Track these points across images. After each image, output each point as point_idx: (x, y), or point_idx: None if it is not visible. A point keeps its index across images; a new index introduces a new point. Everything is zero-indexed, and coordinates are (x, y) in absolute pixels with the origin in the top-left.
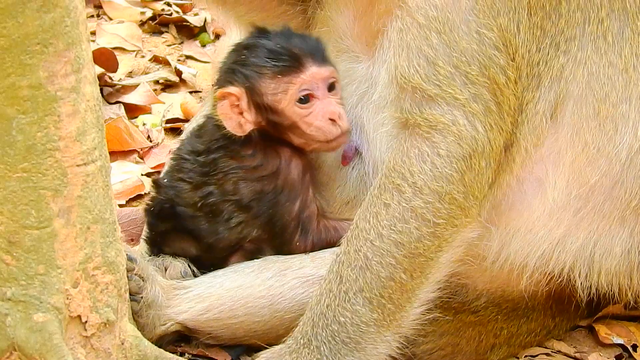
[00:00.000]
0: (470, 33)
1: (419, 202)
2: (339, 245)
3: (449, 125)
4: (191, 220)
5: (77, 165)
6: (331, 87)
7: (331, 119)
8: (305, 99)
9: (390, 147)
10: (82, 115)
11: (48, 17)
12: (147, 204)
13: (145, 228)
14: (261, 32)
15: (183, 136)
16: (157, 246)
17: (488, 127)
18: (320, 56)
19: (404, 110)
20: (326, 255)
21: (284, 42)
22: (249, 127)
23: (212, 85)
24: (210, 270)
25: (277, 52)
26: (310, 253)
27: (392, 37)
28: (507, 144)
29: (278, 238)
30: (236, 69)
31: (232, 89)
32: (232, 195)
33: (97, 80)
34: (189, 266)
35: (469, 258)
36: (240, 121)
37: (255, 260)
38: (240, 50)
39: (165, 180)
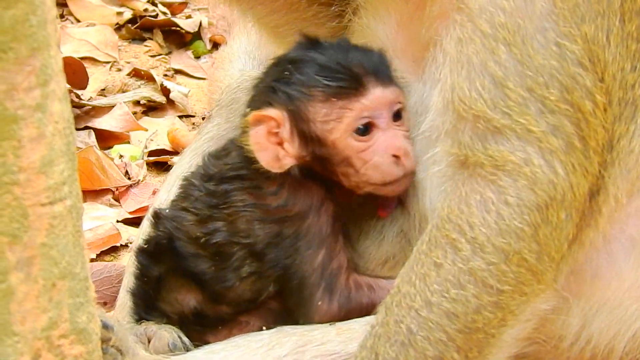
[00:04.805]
0: (548, 45)
1: (479, 263)
2: (374, 314)
3: (521, 166)
4: (193, 260)
5: (42, 205)
6: (397, 115)
7: (395, 156)
8: (364, 129)
9: (443, 192)
10: (49, 141)
11: (7, 15)
12: (141, 245)
13: (131, 280)
14: (311, 42)
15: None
16: (148, 300)
17: (570, 168)
18: (385, 75)
19: (462, 145)
20: (356, 327)
21: (341, 57)
22: (288, 162)
23: (246, 107)
24: (215, 328)
25: (331, 68)
26: (335, 323)
27: (449, 50)
28: (593, 191)
29: (295, 295)
30: (278, 87)
31: (272, 112)
32: (243, 238)
33: (67, 96)
34: (179, 337)
35: (541, 336)
36: (278, 154)
37: (264, 332)
38: (284, 65)
39: (167, 210)
